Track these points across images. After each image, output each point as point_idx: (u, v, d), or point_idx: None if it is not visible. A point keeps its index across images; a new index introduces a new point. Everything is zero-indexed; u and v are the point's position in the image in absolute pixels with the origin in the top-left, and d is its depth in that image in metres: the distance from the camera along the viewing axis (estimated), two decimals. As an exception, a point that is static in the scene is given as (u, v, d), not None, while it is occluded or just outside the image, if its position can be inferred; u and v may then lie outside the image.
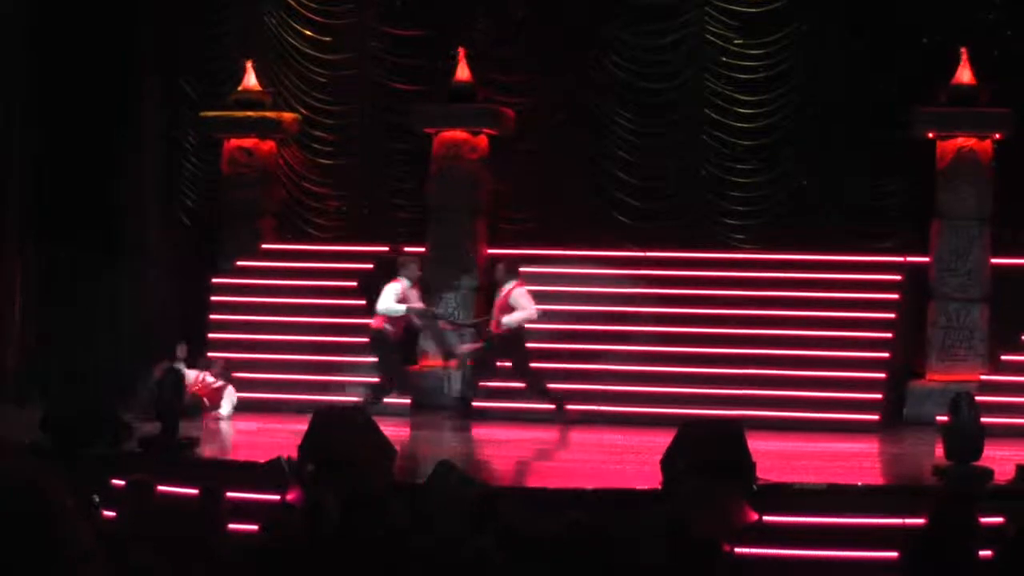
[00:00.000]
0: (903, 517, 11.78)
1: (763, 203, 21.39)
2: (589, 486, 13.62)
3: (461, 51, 21.29)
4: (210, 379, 19.64)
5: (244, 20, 22.81)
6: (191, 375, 19.01)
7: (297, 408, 18.27)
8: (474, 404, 19.35)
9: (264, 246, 21.92)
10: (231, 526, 10.26)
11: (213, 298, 21.30)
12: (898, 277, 19.98)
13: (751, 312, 19.68)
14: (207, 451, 16.02)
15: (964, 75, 19.87)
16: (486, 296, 21.21)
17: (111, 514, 10.95)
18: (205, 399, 19.34)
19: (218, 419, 19.24)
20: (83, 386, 17.25)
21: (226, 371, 19.86)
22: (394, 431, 15.53)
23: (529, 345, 19.13)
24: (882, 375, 19.08)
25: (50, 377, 20.35)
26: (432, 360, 20.85)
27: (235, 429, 18.94)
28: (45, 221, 21.47)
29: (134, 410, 17.15)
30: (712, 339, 19.59)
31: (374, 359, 19.31)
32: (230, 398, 19.57)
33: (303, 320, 20.72)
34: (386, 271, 19.85)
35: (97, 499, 11.00)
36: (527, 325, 18.89)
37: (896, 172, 20.93)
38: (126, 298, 22.62)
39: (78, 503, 3.54)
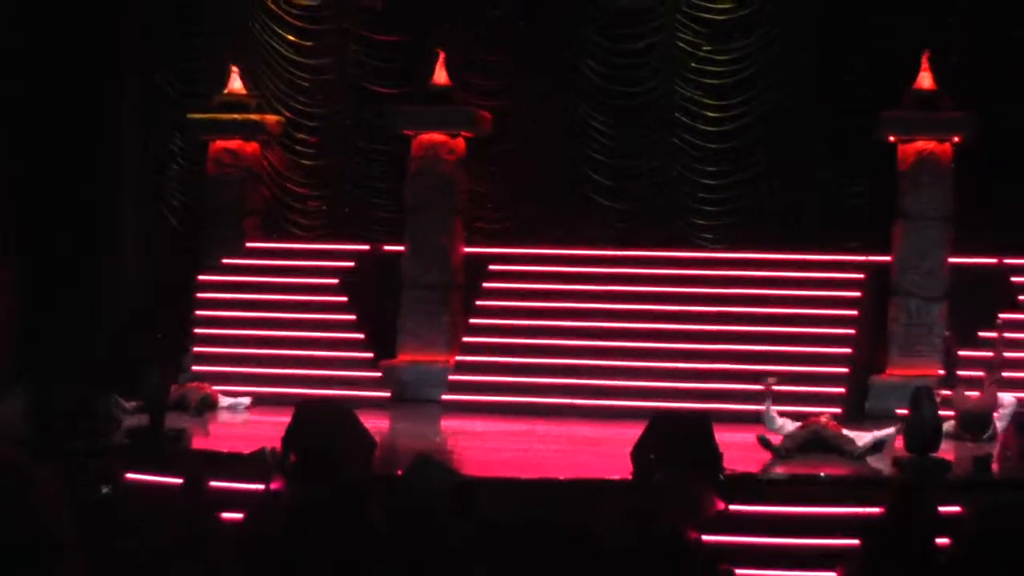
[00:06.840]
0: (864, 506, 12.18)
1: (731, 204, 21.87)
2: (562, 476, 14.04)
3: (440, 54, 21.71)
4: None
5: (229, 25, 23.15)
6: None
7: (281, 401, 18.67)
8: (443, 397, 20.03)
9: (248, 244, 22.35)
10: (224, 515, 10.66)
11: (199, 295, 21.73)
12: (861, 275, 20.46)
13: (719, 309, 20.16)
14: (196, 443, 16.44)
15: (925, 80, 20.35)
16: (463, 295, 21.64)
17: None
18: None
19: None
20: (67, 381, 17.59)
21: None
22: (373, 424, 15.97)
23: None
24: (845, 370, 19.58)
25: (35, 372, 20.68)
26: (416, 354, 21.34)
27: (223, 422, 19.30)
28: (25, 221, 21.75)
29: (137, 403, 17.50)
30: (681, 335, 20.05)
31: None
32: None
33: (286, 316, 21.17)
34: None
35: (106, 490, 11.32)
36: None
37: (861, 174, 21.42)
38: (110, 296, 22.96)
39: (63, 493, 3.53)
